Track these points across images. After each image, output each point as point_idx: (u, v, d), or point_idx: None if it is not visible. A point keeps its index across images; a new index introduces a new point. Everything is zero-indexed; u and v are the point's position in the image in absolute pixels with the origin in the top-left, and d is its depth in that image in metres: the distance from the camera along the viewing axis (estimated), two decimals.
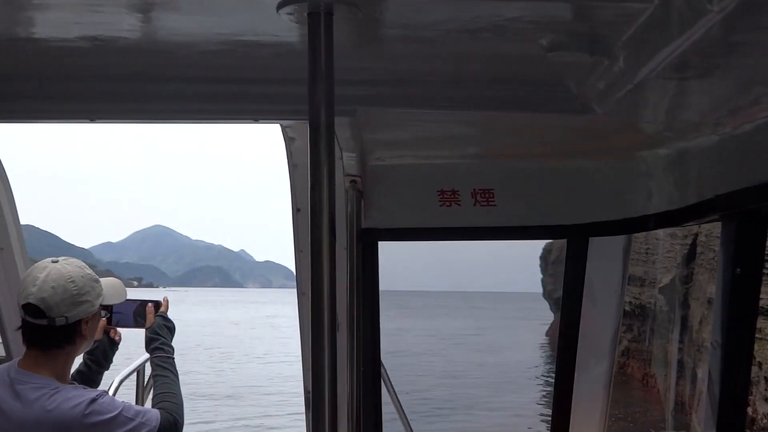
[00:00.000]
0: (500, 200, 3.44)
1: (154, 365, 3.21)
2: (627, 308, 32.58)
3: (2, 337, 3.98)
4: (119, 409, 2.84)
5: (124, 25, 2.21)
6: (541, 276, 55.56)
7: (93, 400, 2.79)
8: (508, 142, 3.35)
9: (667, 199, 3.13)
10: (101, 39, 2.29)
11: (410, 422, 3.95)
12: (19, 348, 3.88)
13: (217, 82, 2.68)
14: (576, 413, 3.53)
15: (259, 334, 68.94)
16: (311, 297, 1.85)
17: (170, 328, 3.34)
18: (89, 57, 2.47)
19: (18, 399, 2.81)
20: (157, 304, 3.36)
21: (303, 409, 3.75)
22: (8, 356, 3.98)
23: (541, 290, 55.90)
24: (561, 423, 3.53)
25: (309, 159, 1.86)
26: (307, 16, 1.90)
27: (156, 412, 2.96)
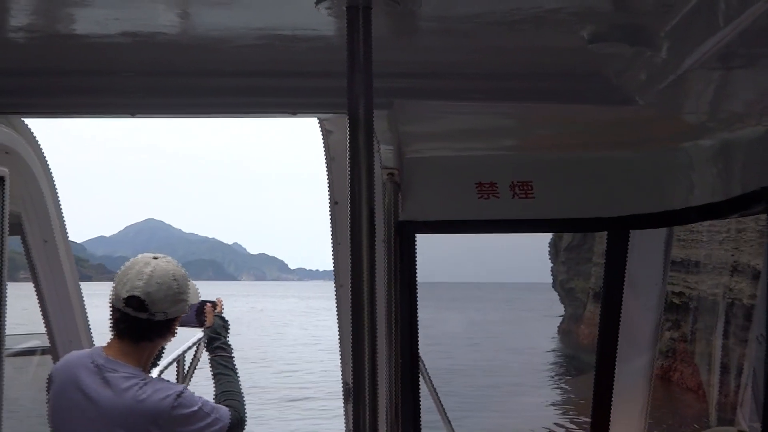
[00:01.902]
0: (539, 192, 3.46)
1: (216, 364, 3.37)
2: (676, 301, 28.05)
3: (47, 328, 4.08)
4: (199, 404, 3.01)
5: (163, 20, 2.30)
6: (550, 264, 50.74)
7: (180, 394, 2.96)
8: (547, 134, 3.37)
9: (711, 190, 3.15)
10: (141, 35, 2.37)
11: (448, 414, 3.95)
12: (63, 337, 4.04)
13: (255, 76, 2.77)
14: (617, 406, 3.54)
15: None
16: (352, 290, 1.88)
17: (227, 328, 3.51)
18: (129, 53, 2.57)
19: (108, 386, 2.95)
20: (213, 305, 3.51)
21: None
22: (53, 346, 4.10)
23: (550, 280, 50.65)
24: (601, 415, 3.55)
25: (348, 152, 1.88)
26: (345, 10, 1.95)
27: (227, 410, 3.13)
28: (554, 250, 49.49)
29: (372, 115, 1.89)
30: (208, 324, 3.44)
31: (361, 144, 1.87)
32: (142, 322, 3.00)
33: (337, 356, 3.99)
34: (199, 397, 3.04)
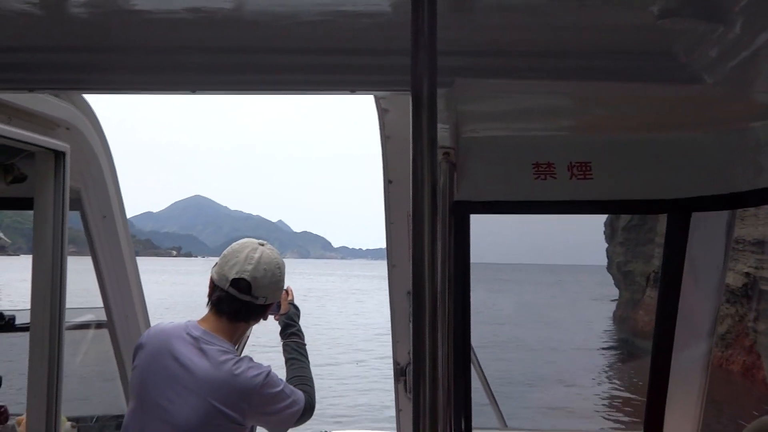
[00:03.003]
0: (598, 173, 3.40)
1: (290, 349, 3.49)
2: (765, 287, 25.13)
3: (104, 301, 4.21)
4: (282, 386, 3.15)
5: None
6: (606, 245, 47.13)
7: (268, 374, 3.09)
8: (607, 114, 3.31)
9: None
10: (202, 11, 2.37)
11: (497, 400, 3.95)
12: (120, 311, 4.16)
13: (316, 53, 2.76)
14: (672, 393, 3.48)
15: None
16: (413, 270, 1.85)
17: (299, 315, 3.63)
18: (190, 29, 2.59)
19: (205, 357, 3.06)
20: (285, 292, 3.61)
21: None
22: (109, 320, 4.21)
23: (605, 262, 46.78)
24: (656, 403, 3.50)
25: (411, 130, 1.87)
26: None
27: (301, 393, 3.25)
28: (610, 230, 46.41)
29: (435, 94, 1.86)
30: (283, 311, 3.58)
31: (423, 123, 1.83)
32: (244, 304, 3.16)
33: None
34: (280, 379, 3.17)
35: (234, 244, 3.29)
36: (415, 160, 1.83)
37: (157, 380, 3.05)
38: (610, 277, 46.62)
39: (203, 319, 3.20)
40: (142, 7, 2.38)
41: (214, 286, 3.20)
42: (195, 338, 3.08)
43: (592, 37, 2.57)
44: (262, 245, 3.27)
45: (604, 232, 47.83)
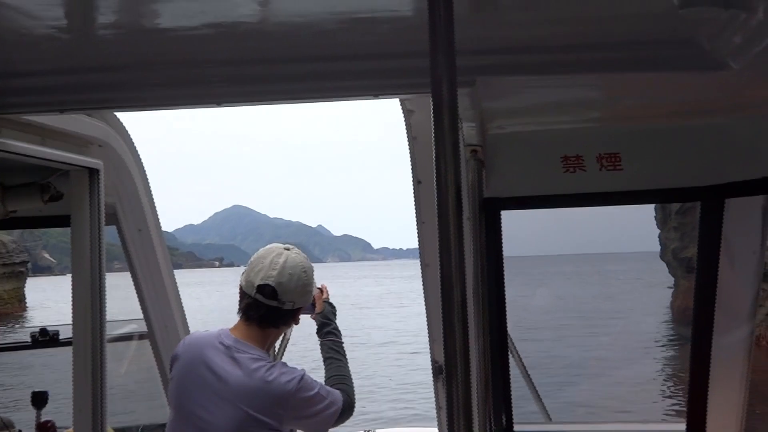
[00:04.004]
0: (627, 164, 3.39)
1: (327, 348, 3.49)
2: None
3: (144, 313, 4.28)
4: (317, 388, 3.15)
5: (245, 10, 2.34)
6: (658, 231, 43.65)
7: (302, 378, 3.09)
8: (634, 104, 3.31)
9: None
10: (224, 25, 2.43)
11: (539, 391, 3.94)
12: (159, 322, 4.23)
13: (336, 60, 2.79)
14: (714, 378, 3.45)
15: None
16: (441, 269, 1.87)
17: (335, 314, 3.63)
18: (213, 43, 2.63)
19: (238, 366, 3.09)
20: (320, 291, 3.63)
21: None
22: (150, 331, 4.28)
23: (658, 249, 43.11)
24: (699, 388, 3.46)
25: (433, 132, 1.87)
26: None
27: (339, 394, 3.25)
28: (662, 214, 42.86)
29: (456, 94, 1.87)
30: (318, 310, 3.56)
31: (445, 124, 1.84)
32: (271, 310, 3.16)
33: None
34: (315, 381, 3.17)
35: (261, 249, 3.29)
36: (438, 161, 1.85)
37: (193, 390, 3.09)
38: (660, 265, 43.98)
39: (235, 327, 3.22)
40: (165, 25, 2.45)
41: (243, 293, 3.22)
42: (227, 347, 3.11)
43: (615, 29, 2.56)
44: (288, 249, 3.26)
45: (655, 217, 44.36)
